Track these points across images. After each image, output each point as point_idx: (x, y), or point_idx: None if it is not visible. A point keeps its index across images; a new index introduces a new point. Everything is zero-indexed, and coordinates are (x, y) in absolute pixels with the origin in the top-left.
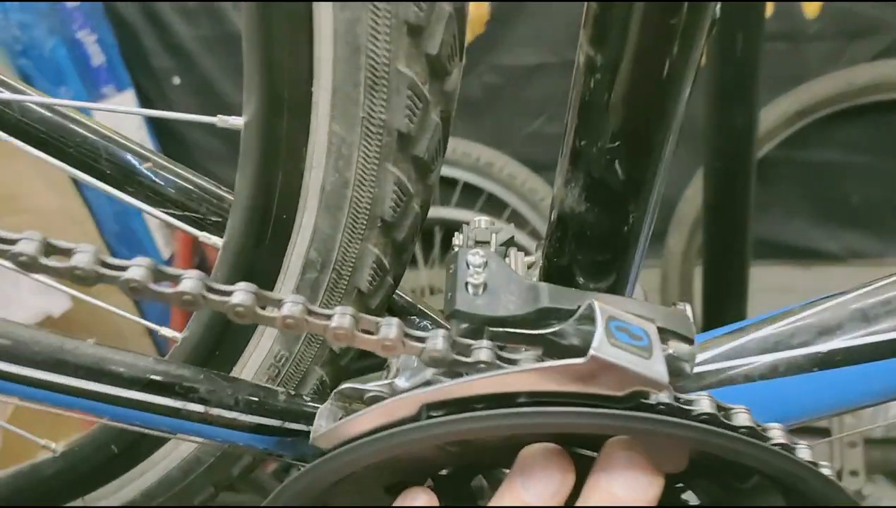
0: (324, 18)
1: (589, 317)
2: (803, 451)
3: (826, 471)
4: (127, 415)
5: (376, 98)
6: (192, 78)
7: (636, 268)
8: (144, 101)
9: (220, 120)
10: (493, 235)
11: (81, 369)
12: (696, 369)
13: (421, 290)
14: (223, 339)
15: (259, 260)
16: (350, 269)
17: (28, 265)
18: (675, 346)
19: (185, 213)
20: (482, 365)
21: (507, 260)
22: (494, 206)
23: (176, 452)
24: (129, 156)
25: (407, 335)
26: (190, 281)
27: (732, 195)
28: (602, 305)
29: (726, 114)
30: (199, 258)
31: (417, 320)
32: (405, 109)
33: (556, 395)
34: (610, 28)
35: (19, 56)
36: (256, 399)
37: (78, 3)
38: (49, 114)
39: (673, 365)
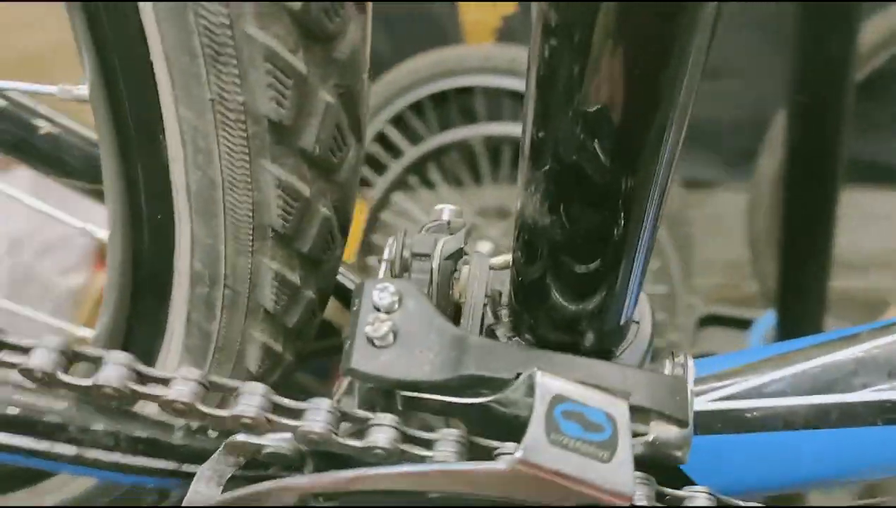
0: None
1: (530, 388)
2: None
3: None
4: None
5: (224, 73)
6: None
7: (636, 279)
8: None
9: (62, 90)
10: (439, 244)
11: None
12: (724, 405)
13: (488, 212)
14: (134, 328)
15: (145, 263)
16: (246, 286)
17: None
18: (660, 430)
19: (97, 187)
20: (378, 451)
21: (466, 268)
22: None
23: None
24: (30, 119)
25: (276, 407)
26: None
27: (821, 139)
28: (547, 379)
29: (817, 35)
30: None
31: None
32: (268, 89)
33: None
34: None
35: None
36: (144, 437)
37: None
38: None
39: (658, 453)
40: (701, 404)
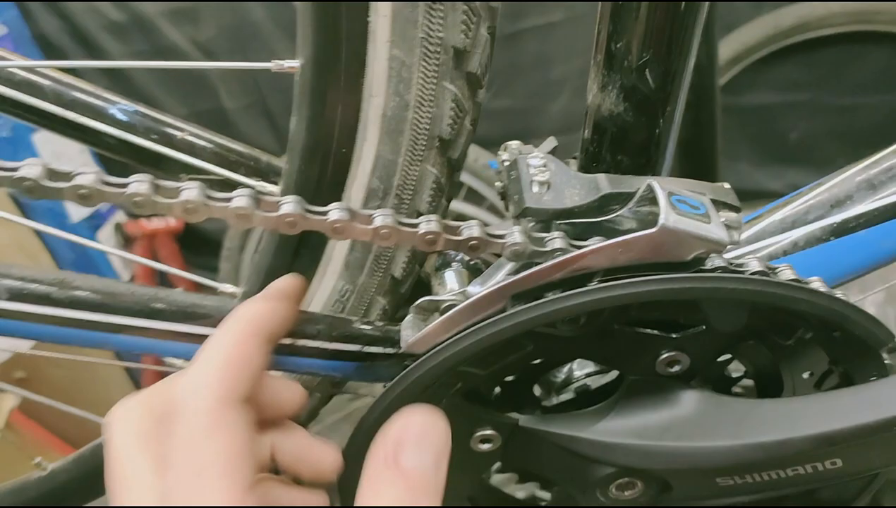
0: None
1: (647, 199)
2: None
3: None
4: None
5: (434, 16)
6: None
7: (665, 175)
8: None
9: (276, 64)
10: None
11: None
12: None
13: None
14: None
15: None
16: (410, 193)
17: None
18: (726, 215)
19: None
20: (559, 253)
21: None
22: None
23: None
24: (165, 129)
25: (489, 234)
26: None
27: (701, 127)
28: (661, 182)
29: None
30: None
31: None
32: (461, 25)
33: (627, 270)
34: None
35: None
36: (334, 327)
37: None
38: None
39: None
40: None
